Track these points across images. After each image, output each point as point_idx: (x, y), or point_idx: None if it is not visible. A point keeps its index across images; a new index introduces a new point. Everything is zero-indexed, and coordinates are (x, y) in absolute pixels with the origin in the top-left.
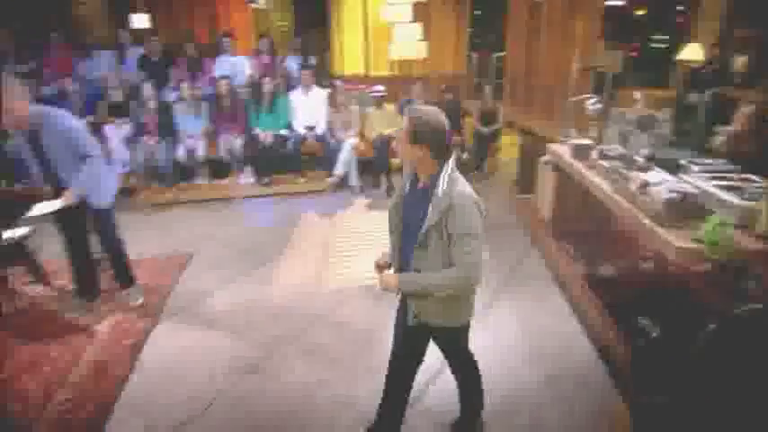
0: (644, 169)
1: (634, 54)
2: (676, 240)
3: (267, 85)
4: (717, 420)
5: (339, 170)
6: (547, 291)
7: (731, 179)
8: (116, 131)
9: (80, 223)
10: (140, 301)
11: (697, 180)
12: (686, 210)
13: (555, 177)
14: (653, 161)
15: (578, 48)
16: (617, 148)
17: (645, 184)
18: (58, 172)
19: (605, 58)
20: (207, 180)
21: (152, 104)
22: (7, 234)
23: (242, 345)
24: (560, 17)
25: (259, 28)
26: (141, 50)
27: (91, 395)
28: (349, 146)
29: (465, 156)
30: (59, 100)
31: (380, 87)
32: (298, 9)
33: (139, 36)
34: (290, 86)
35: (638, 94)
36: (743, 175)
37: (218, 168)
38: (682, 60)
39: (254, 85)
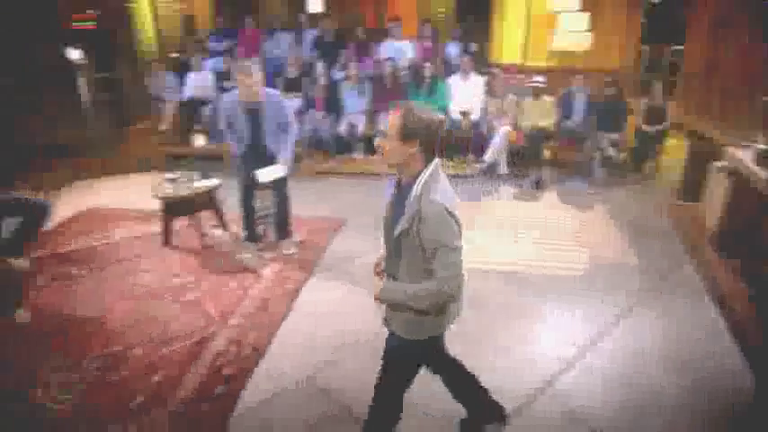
0: None
1: None
2: None
3: (427, 70)
4: None
5: (489, 157)
6: (700, 304)
7: None
8: (289, 104)
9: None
10: (292, 251)
11: None
12: None
13: (729, 185)
14: None
15: None
16: None
17: None
18: (266, 142)
19: None
20: (363, 155)
21: (322, 81)
22: (202, 183)
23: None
24: (756, 7)
25: (420, 14)
26: (316, 32)
27: (257, 324)
28: (502, 134)
29: (621, 156)
30: None
31: (540, 78)
32: None
33: (314, 19)
34: (448, 72)
35: None
36: None
37: (374, 145)
38: None
39: (415, 69)
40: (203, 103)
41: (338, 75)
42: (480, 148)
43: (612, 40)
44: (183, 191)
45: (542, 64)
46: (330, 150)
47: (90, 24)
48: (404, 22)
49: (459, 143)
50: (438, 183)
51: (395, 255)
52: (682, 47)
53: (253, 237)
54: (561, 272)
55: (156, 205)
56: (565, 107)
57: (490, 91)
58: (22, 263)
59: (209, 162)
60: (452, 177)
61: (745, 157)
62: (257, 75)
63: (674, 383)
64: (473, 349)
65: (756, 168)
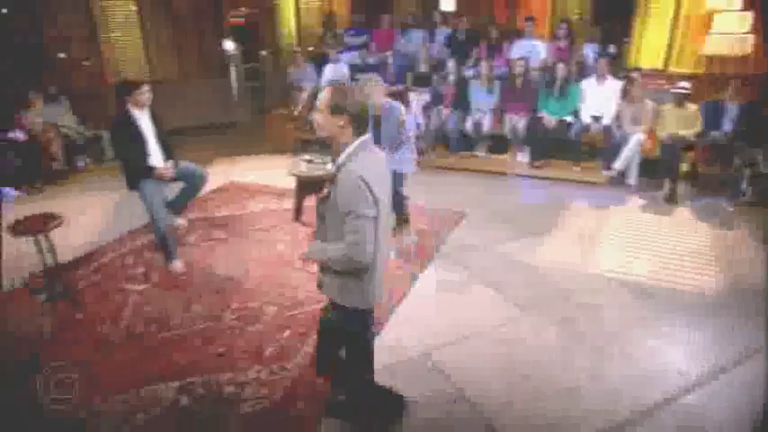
0: None
1: None
2: None
3: (561, 71)
4: None
5: (619, 165)
6: None
7: None
8: (417, 98)
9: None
10: (413, 238)
11: None
12: None
13: None
14: None
15: None
16: None
17: None
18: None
19: None
20: (485, 153)
21: (452, 78)
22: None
23: (500, 297)
24: None
25: (555, 14)
26: (448, 31)
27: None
28: (636, 141)
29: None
30: (380, 69)
31: (686, 84)
32: None
33: (447, 18)
34: (583, 74)
35: None
36: None
37: (498, 143)
38: None
39: (548, 70)
40: None
41: (469, 72)
42: (610, 155)
43: None
44: (317, 171)
45: (686, 70)
46: (452, 146)
47: (240, 20)
48: (537, 22)
49: (588, 149)
50: (361, 156)
51: (320, 219)
52: None
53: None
54: (690, 290)
55: (287, 184)
56: (712, 116)
57: (627, 96)
58: (181, 221)
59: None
60: (577, 183)
61: None
62: (380, 88)
63: None
64: (594, 353)
65: None
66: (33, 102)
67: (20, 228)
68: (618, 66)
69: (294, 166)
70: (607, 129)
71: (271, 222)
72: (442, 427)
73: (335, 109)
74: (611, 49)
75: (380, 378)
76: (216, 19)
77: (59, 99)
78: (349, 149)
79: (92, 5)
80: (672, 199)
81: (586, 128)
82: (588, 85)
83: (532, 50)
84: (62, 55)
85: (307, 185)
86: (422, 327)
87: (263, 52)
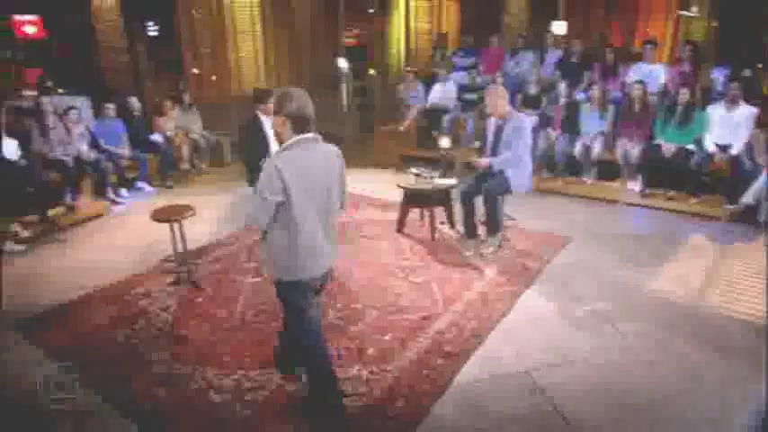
0: None
1: None
2: None
3: (683, 96)
4: None
5: (748, 199)
6: None
7: None
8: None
9: (489, 187)
10: (491, 250)
11: None
12: None
13: None
14: None
15: None
16: None
17: None
18: (499, 151)
19: None
20: (593, 179)
21: (562, 101)
22: (442, 181)
23: (604, 323)
24: None
25: (678, 36)
26: (559, 53)
27: (478, 315)
28: None
29: None
30: None
31: None
32: (722, 14)
33: (557, 40)
34: (710, 99)
35: None
36: None
37: (607, 170)
38: None
39: (668, 95)
40: (445, 111)
41: (580, 95)
42: (737, 188)
43: None
44: (424, 185)
45: None
46: (558, 170)
47: (353, 41)
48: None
49: (709, 180)
50: (294, 150)
51: None
52: None
53: (470, 234)
54: None
55: (392, 198)
56: None
57: (762, 124)
58: None
59: (435, 166)
60: (693, 216)
61: None
62: (503, 93)
63: None
64: (712, 397)
65: None
66: (167, 109)
67: (160, 215)
68: (751, 92)
69: (403, 179)
70: (735, 159)
71: (375, 231)
72: None
73: (277, 110)
74: (746, 72)
75: (479, 388)
76: (330, 37)
77: (192, 108)
78: (284, 145)
79: (225, 20)
80: None
81: (710, 157)
82: (715, 111)
83: (650, 75)
84: (196, 71)
85: (412, 198)
86: (522, 346)
87: (372, 71)
